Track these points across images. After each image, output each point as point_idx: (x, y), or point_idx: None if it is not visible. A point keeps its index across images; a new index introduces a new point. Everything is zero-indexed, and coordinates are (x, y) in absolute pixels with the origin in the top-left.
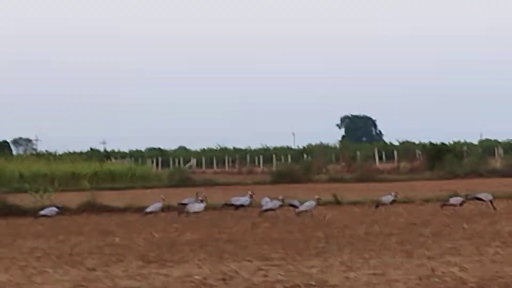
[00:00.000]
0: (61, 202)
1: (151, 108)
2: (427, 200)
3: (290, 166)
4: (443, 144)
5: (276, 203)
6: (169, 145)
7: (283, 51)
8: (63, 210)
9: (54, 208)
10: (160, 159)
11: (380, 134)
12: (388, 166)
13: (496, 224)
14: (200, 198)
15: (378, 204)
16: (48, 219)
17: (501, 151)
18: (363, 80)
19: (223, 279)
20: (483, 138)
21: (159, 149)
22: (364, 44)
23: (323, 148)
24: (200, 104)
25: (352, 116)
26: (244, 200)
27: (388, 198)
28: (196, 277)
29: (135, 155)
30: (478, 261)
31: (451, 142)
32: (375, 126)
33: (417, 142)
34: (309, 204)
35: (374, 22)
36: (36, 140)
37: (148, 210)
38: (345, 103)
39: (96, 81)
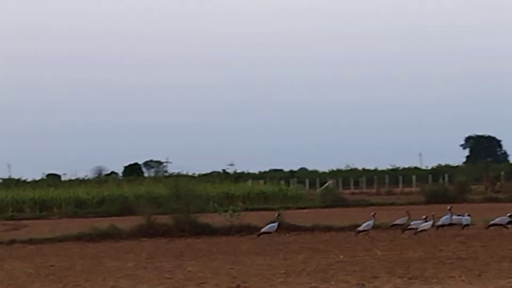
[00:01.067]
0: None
1: (269, 130)
2: None
3: (444, 186)
4: None
5: (505, 219)
6: (288, 166)
7: (409, 72)
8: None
9: (275, 225)
10: (295, 180)
11: (505, 154)
12: None
13: None
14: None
15: None
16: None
17: None
18: (488, 98)
19: None
20: None
21: (282, 170)
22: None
23: (465, 168)
24: (318, 125)
25: (477, 136)
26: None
27: None
28: None
29: (264, 177)
30: None
31: None
32: (500, 146)
33: None
34: None
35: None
36: (167, 162)
37: (361, 228)
38: (469, 123)
39: (219, 109)
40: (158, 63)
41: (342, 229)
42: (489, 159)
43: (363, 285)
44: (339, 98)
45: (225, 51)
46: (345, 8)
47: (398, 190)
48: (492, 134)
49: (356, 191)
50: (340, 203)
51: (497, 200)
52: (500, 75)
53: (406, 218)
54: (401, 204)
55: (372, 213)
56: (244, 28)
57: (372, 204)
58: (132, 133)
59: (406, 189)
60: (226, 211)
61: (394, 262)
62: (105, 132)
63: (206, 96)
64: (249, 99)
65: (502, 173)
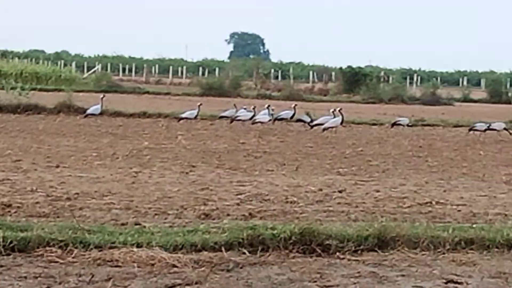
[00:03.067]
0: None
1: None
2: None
3: (220, 80)
4: (360, 68)
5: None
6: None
7: None
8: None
9: (99, 107)
10: (62, 62)
11: (267, 52)
12: (302, 86)
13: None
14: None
15: (395, 124)
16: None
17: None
18: None
19: (340, 191)
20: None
21: (43, 51)
22: None
23: (236, 64)
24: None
25: (241, 32)
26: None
27: (404, 121)
28: (312, 188)
29: (28, 56)
30: None
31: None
32: (263, 44)
33: (310, 63)
34: (336, 120)
35: None
36: None
37: (183, 116)
38: (235, 20)
39: None
40: None
41: (131, 115)
42: (251, 56)
43: (187, 173)
44: None
45: None
46: None
47: (168, 80)
48: (256, 32)
49: (125, 78)
50: (116, 88)
51: (270, 97)
52: None
53: (234, 110)
54: (177, 95)
55: (199, 103)
56: None
57: (147, 93)
58: None
59: (175, 80)
60: (13, 88)
61: (202, 152)
62: None
63: None
64: None
65: (272, 70)
